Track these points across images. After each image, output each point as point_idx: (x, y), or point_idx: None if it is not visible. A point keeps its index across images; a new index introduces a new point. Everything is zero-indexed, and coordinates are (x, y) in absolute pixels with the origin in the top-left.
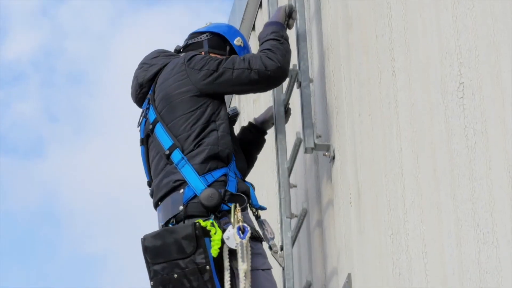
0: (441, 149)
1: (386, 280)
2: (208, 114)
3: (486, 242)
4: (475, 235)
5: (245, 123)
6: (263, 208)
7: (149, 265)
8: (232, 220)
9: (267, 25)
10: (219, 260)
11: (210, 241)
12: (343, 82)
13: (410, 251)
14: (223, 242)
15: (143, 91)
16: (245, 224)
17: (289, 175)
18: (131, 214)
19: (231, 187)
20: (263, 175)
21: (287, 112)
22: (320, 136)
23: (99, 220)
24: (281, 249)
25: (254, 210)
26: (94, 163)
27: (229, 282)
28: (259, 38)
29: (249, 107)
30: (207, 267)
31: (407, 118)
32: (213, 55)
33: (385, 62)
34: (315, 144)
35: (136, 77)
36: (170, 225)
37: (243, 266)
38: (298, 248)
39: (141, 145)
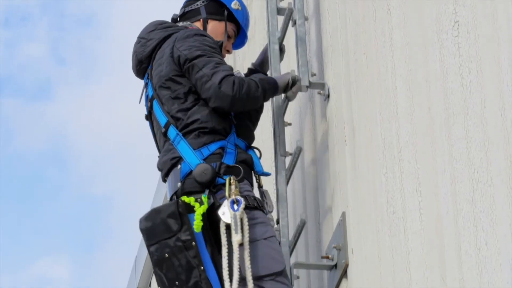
0: (436, 88)
1: (381, 218)
2: (196, 91)
3: (480, 180)
4: (469, 174)
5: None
6: (266, 174)
7: (147, 247)
8: (226, 193)
9: (265, 75)
10: (211, 235)
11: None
12: (338, 20)
13: (405, 190)
14: (211, 216)
15: (143, 66)
16: (239, 197)
17: (283, 114)
18: (137, 157)
19: (228, 159)
20: None
21: (282, 50)
22: (315, 75)
23: (106, 163)
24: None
25: (257, 177)
26: (101, 106)
27: (226, 258)
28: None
29: (243, 48)
30: (193, 243)
31: (402, 57)
32: (211, 21)
33: (380, 0)
34: (310, 83)
35: (135, 52)
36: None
37: (236, 238)
38: (292, 187)
39: (147, 120)
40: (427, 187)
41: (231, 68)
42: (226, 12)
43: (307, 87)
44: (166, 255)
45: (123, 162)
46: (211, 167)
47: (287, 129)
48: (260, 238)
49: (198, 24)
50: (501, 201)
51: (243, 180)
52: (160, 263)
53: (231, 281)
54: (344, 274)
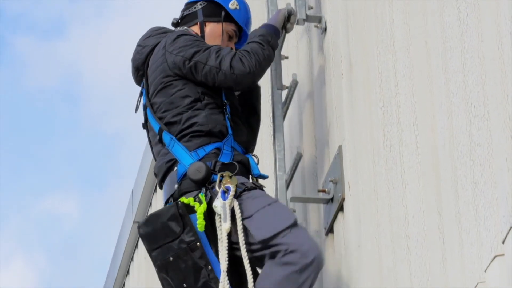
0: (433, 21)
1: (377, 151)
2: (193, 94)
3: (477, 114)
4: (466, 108)
5: None
6: (264, 176)
7: (149, 252)
8: (216, 186)
9: (262, 26)
10: (215, 233)
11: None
12: None
13: (401, 123)
14: (210, 215)
15: (139, 74)
16: (228, 184)
17: (281, 47)
18: None
19: (224, 159)
20: None
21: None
22: (311, 8)
23: (117, 101)
24: None
25: (255, 179)
26: (115, 44)
27: (225, 253)
28: (249, 36)
29: None
30: (197, 243)
31: None
32: (208, 24)
33: None
34: (306, 16)
35: (132, 60)
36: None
37: (224, 226)
38: (288, 121)
39: (144, 129)
40: (424, 121)
41: (230, 48)
42: (223, 13)
43: (304, 20)
44: (171, 258)
45: (135, 100)
46: (205, 164)
47: (283, 63)
48: (263, 206)
49: (196, 28)
50: (498, 135)
51: (239, 175)
52: (164, 267)
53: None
54: (341, 207)
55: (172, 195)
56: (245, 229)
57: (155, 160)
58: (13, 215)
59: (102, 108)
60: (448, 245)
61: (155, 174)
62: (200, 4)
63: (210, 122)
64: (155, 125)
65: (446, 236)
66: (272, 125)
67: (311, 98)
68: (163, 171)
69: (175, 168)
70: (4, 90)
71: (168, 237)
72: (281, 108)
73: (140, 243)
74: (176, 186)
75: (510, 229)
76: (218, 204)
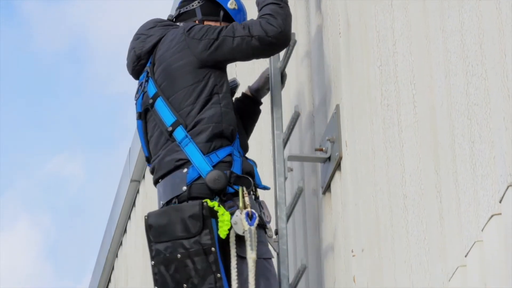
0: None
1: (375, 110)
2: (210, 87)
3: (475, 74)
4: (463, 67)
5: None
6: (266, 188)
7: (151, 243)
8: (240, 204)
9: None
10: (223, 243)
11: (217, 222)
12: None
13: (399, 82)
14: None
15: (141, 63)
16: (253, 210)
17: None
18: None
19: (237, 168)
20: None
21: (283, 77)
22: None
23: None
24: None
25: (254, 189)
26: (121, 5)
27: (235, 269)
28: (257, 3)
29: None
30: (213, 248)
31: None
32: (207, 22)
33: None
34: None
35: (133, 48)
36: (173, 205)
37: (252, 255)
38: (286, 79)
39: (138, 119)
40: (422, 80)
41: (252, 18)
42: (222, 13)
43: None
44: (179, 255)
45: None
46: (224, 174)
47: None
48: (260, 257)
49: None
50: (495, 94)
51: (250, 193)
52: (168, 262)
53: None
54: (338, 166)
55: (177, 196)
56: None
57: (149, 152)
58: (19, 177)
59: (108, 69)
60: (445, 204)
61: (153, 169)
62: (198, 2)
63: (224, 121)
64: (169, 117)
65: (443, 195)
66: (270, 84)
67: (308, 57)
68: (169, 168)
69: (185, 170)
70: (10, 52)
71: (182, 233)
72: (278, 67)
73: (137, 201)
74: (184, 188)
75: (507, 188)
76: (239, 222)
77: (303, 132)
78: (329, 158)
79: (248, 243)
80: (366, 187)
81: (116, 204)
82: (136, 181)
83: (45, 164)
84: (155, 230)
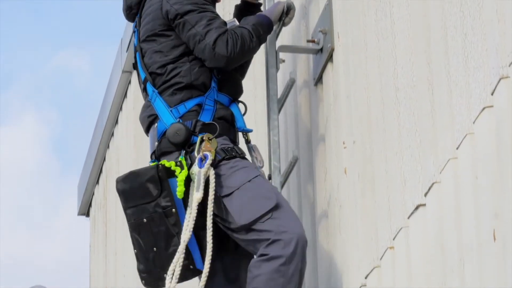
0: None
1: (367, 2)
2: (183, 47)
3: None
4: None
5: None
6: (248, 130)
7: (124, 209)
8: (195, 152)
9: (258, 15)
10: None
11: (176, 181)
12: None
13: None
14: (189, 180)
15: (132, 12)
16: (206, 152)
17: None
18: None
19: (205, 117)
20: None
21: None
22: None
23: None
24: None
25: (244, 134)
26: None
27: (192, 223)
28: (242, 22)
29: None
30: (173, 210)
31: None
32: None
33: None
34: None
35: None
36: (150, 162)
37: (196, 196)
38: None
39: (134, 69)
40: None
41: (224, 23)
42: None
43: None
44: (144, 220)
45: None
46: (184, 126)
47: None
48: (243, 183)
49: None
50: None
51: (222, 136)
52: (137, 227)
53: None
54: (330, 58)
55: (154, 152)
56: (225, 208)
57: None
58: (25, 72)
59: None
60: (437, 96)
61: (141, 124)
62: None
63: (193, 74)
64: (142, 73)
65: (435, 88)
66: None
67: None
68: (146, 124)
69: (156, 124)
70: None
71: (144, 198)
72: None
73: (129, 92)
74: (156, 143)
75: (499, 81)
76: (195, 171)
77: (295, 23)
78: (321, 50)
79: (194, 184)
80: (358, 79)
81: (108, 95)
82: (128, 72)
83: (51, 59)
84: (123, 195)
